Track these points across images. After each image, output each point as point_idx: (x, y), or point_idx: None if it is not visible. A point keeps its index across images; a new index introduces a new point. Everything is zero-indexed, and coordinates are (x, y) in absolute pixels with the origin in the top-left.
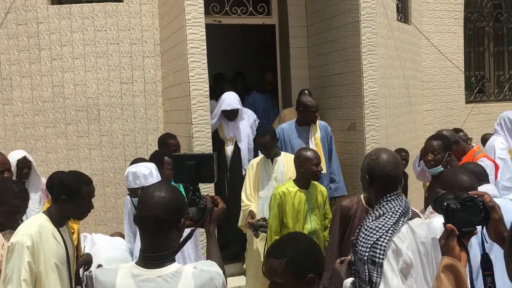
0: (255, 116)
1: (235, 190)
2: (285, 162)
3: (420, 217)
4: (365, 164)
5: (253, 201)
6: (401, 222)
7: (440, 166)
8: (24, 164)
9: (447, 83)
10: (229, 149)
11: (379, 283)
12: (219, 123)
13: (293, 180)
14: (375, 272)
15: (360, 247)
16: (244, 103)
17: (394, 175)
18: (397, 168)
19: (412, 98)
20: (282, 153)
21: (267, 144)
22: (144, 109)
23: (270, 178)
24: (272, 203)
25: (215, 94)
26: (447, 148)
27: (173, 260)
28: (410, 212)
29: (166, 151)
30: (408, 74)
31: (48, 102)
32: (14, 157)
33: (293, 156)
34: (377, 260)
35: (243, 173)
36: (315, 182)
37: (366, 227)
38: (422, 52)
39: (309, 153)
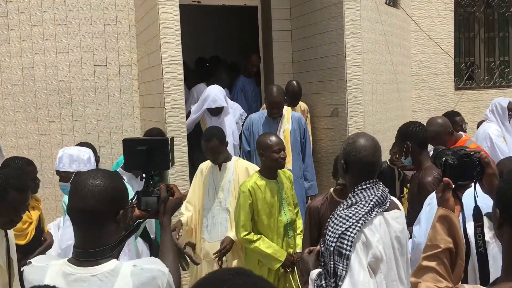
0: (242, 110)
1: None
2: (236, 169)
3: (399, 209)
4: (341, 149)
5: (191, 209)
6: (374, 213)
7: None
8: None
9: (437, 69)
10: None
11: (344, 276)
12: (200, 118)
13: (258, 171)
14: (341, 265)
15: (328, 237)
16: (232, 89)
17: (370, 161)
18: (375, 153)
19: (400, 84)
20: (234, 158)
21: (214, 148)
22: (119, 93)
23: (217, 187)
24: (243, 201)
25: (197, 80)
26: (404, 138)
27: (112, 257)
28: (388, 202)
29: (162, 132)
30: (396, 59)
31: (18, 85)
32: None
33: (245, 162)
34: (343, 251)
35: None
36: (280, 173)
37: (336, 216)
38: (411, 38)
39: (269, 139)
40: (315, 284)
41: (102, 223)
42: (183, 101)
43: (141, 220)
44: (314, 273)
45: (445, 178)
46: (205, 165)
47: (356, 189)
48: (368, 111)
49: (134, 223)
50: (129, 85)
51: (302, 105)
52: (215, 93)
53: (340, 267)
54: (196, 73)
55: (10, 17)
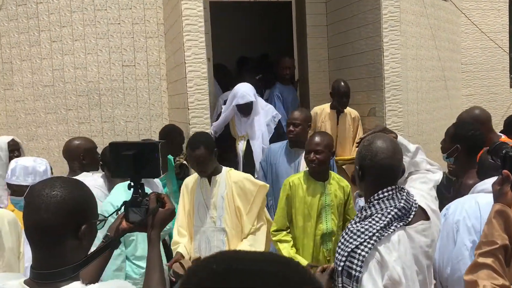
0: (276, 112)
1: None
2: (228, 182)
3: (427, 218)
4: (356, 153)
5: (186, 234)
6: (392, 228)
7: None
8: (14, 147)
9: (490, 65)
10: (240, 147)
11: None
12: (230, 118)
13: (306, 170)
14: (350, 287)
15: (337, 255)
16: (268, 96)
17: (388, 164)
18: (393, 156)
19: (449, 81)
20: (225, 169)
21: (201, 158)
22: (147, 94)
23: (207, 205)
24: (281, 194)
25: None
26: (456, 139)
27: (73, 279)
28: (412, 213)
29: (177, 128)
30: (444, 55)
31: (49, 86)
32: (3, 140)
33: (240, 172)
34: (353, 272)
35: (255, 176)
36: (337, 175)
37: (347, 231)
38: (461, 32)
39: (311, 137)
40: None
41: (60, 239)
42: (207, 101)
43: (115, 238)
44: None
45: (505, 171)
46: (191, 180)
47: (372, 199)
48: (411, 110)
49: (118, 237)
50: (158, 85)
51: (351, 112)
52: (244, 90)
53: None
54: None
55: (40, 18)
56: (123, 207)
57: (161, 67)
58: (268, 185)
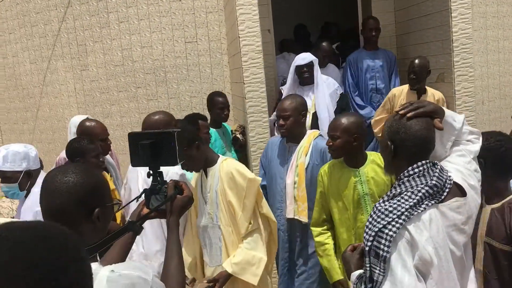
0: (337, 85)
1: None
2: (222, 173)
3: (463, 195)
4: (385, 129)
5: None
6: (423, 206)
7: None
8: None
9: None
10: (306, 121)
11: (381, 282)
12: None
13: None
14: (378, 268)
15: (365, 234)
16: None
17: (425, 136)
18: (428, 128)
19: None
20: (221, 158)
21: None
22: (209, 69)
23: (205, 199)
24: (317, 189)
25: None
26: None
27: (92, 260)
28: (446, 190)
29: (200, 115)
30: None
31: (119, 66)
32: (80, 118)
33: (234, 163)
34: (381, 253)
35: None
36: (380, 157)
37: (375, 210)
38: None
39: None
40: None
41: (74, 223)
42: (262, 74)
43: (136, 221)
44: (354, 274)
45: None
46: (194, 176)
47: (402, 176)
48: (492, 73)
49: (139, 221)
50: (219, 60)
51: (435, 93)
52: (302, 54)
53: (377, 272)
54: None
55: (108, 0)
56: (143, 194)
57: (222, 42)
58: (259, 179)
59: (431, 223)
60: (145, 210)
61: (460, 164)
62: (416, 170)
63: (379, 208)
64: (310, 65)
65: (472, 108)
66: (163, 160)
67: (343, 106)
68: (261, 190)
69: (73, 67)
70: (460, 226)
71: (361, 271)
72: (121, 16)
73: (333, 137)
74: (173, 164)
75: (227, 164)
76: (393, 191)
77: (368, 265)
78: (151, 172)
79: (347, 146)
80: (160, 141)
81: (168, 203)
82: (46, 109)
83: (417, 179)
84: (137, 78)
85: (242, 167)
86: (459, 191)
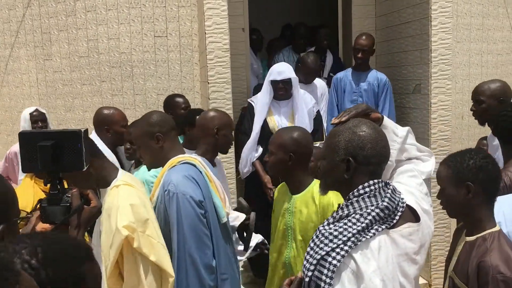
0: (314, 101)
1: None
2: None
3: (416, 220)
4: (343, 143)
5: None
6: (373, 231)
7: None
8: (38, 117)
9: None
10: None
11: None
12: (267, 109)
13: None
14: None
15: (305, 262)
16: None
17: (387, 154)
18: (384, 145)
19: None
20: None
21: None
22: (179, 66)
23: None
24: None
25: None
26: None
27: None
28: (398, 214)
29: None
30: None
31: (84, 57)
32: (26, 111)
33: (120, 193)
34: (322, 284)
35: None
36: (313, 185)
37: (318, 234)
38: None
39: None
40: None
41: None
42: (229, 74)
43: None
44: None
45: None
46: None
47: (351, 196)
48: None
49: None
50: (190, 57)
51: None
52: (280, 66)
53: None
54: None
55: None
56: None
57: (193, 38)
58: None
59: (380, 251)
60: (41, 225)
61: (412, 186)
62: (367, 189)
63: (323, 232)
64: (287, 81)
65: (449, 123)
66: (66, 165)
67: (316, 126)
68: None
69: (36, 56)
70: (412, 256)
71: None
72: (88, 4)
73: (270, 152)
74: (79, 168)
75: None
76: (340, 212)
77: None
78: (49, 179)
79: (280, 166)
80: (63, 143)
81: (75, 215)
82: (6, 99)
83: (367, 199)
84: (102, 72)
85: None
86: (412, 215)
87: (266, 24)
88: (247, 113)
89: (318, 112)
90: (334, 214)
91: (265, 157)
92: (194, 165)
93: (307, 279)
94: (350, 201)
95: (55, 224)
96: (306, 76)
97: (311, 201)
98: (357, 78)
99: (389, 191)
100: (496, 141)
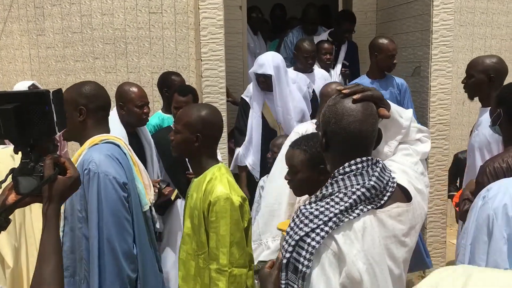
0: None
1: None
2: None
3: (407, 200)
4: (320, 115)
5: None
6: (357, 212)
7: None
8: None
9: None
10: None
11: None
12: (262, 104)
13: None
14: (296, 286)
15: (284, 243)
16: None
17: (358, 130)
18: (364, 120)
19: None
20: None
21: None
22: (174, 44)
23: None
24: None
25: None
26: (498, 102)
27: None
28: (387, 194)
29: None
30: None
31: (77, 33)
32: (24, 85)
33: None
34: (300, 266)
35: None
36: (207, 178)
37: (298, 213)
38: None
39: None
40: None
41: None
42: (223, 52)
43: (6, 211)
44: None
45: None
46: None
47: (336, 174)
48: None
49: (5, 213)
50: (185, 34)
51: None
52: (265, 58)
53: None
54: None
55: None
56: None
57: (189, 15)
58: None
59: (365, 233)
60: (13, 197)
61: (406, 164)
62: (354, 167)
63: (303, 211)
64: (267, 76)
65: (448, 107)
66: (34, 130)
67: (314, 107)
68: None
69: (29, 31)
70: (400, 238)
71: None
72: None
73: (175, 131)
74: (50, 134)
75: None
76: (323, 191)
77: (284, 281)
78: (18, 147)
79: (186, 146)
80: (28, 105)
81: (46, 186)
82: None
83: (352, 178)
84: (96, 48)
85: None
86: (403, 195)
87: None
88: (240, 109)
89: (314, 91)
90: (317, 193)
91: (170, 134)
92: (118, 146)
93: (285, 261)
94: (335, 179)
95: (27, 196)
96: (304, 63)
97: (202, 186)
98: (376, 87)
99: (378, 169)
100: (484, 117)
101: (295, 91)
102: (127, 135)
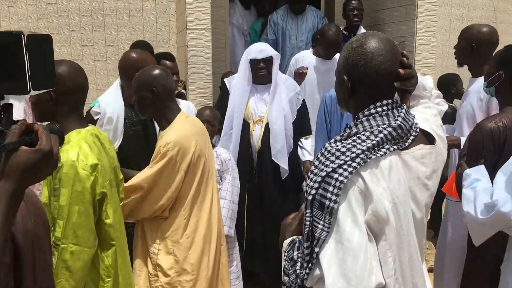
0: (299, 88)
1: (268, 196)
2: None
3: (431, 143)
4: (341, 59)
5: None
6: (384, 150)
7: None
8: None
9: None
10: (256, 134)
11: (325, 239)
12: (247, 100)
13: None
14: (321, 222)
15: (309, 181)
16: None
17: (389, 70)
18: (394, 59)
19: (502, 25)
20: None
21: None
22: (154, 17)
23: None
24: None
25: None
26: (500, 65)
27: None
28: (412, 137)
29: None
30: None
31: (52, 4)
32: None
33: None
34: (327, 202)
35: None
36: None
37: (324, 151)
38: None
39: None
40: (285, 256)
41: None
42: (209, 21)
43: None
44: (286, 242)
45: None
46: None
47: (361, 115)
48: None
49: None
50: (166, 7)
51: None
52: (260, 45)
53: (320, 226)
54: None
55: None
56: None
57: None
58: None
59: (391, 172)
60: None
61: (428, 113)
62: (379, 109)
63: (329, 149)
64: (268, 60)
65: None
66: (4, 83)
67: (304, 114)
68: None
69: (0, 1)
70: (424, 181)
71: (294, 237)
72: None
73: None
74: (21, 91)
75: None
76: (348, 131)
77: (309, 218)
78: None
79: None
80: None
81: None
82: None
83: (378, 118)
84: (72, 20)
85: None
86: (425, 139)
87: None
88: (220, 96)
89: (303, 102)
90: (342, 133)
91: None
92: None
93: (310, 198)
94: (360, 120)
95: None
96: (327, 50)
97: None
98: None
99: (403, 111)
100: (473, 88)
101: (284, 91)
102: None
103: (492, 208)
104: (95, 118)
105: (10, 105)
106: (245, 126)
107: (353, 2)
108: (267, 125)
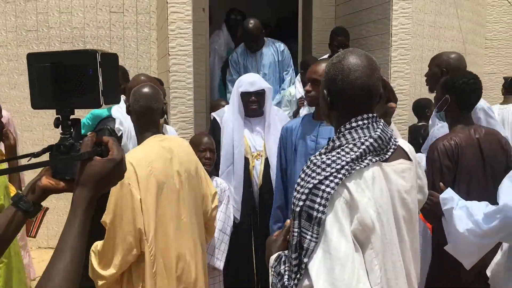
0: (289, 119)
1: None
2: None
3: (408, 158)
4: (323, 75)
5: None
6: (366, 161)
7: None
8: None
9: None
10: (256, 169)
11: (313, 249)
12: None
13: None
14: (310, 232)
15: (296, 193)
16: None
17: (365, 84)
18: (371, 74)
19: (470, 56)
20: None
21: None
22: (135, 44)
23: None
24: None
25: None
26: (445, 89)
27: None
28: (391, 150)
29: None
30: (466, 26)
31: (32, 31)
32: None
33: None
34: (314, 213)
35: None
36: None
37: (309, 164)
38: (487, 3)
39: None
40: (272, 272)
41: None
42: (190, 47)
43: (36, 198)
44: (273, 258)
45: None
46: None
47: (343, 129)
48: (415, 73)
49: (36, 200)
50: (147, 35)
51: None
52: (251, 76)
53: (308, 237)
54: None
55: None
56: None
57: (152, 15)
58: None
59: (374, 182)
60: (45, 181)
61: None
62: (360, 122)
63: (315, 161)
64: (260, 93)
65: (407, 107)
66: (76, 98)
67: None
68: None
69: None
70: (402, 195)
71: (280, 252)
72: None
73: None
74: (95, 105)
75: None
76: (331, 144)
77: (297, 229)
78: (60, 117)
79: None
80: (69, 66)
81: (78, 168)
82: None
83: (360, 131)
84: (52, 47)
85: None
86: (406, 154)
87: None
88: (210, 132)
89: None
90: (326, 146)
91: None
92: None
93: (297, 209)
94: (342, 133)
95: (65, 180)
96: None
97: None
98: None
99: (381, 124)
100: None
101: (277, 120)
102: None
103: (495, 215)
104: (119, 134)
105: (78, 120)
106: (245, 161)
107: (339, 38)
108: (266, 160)
